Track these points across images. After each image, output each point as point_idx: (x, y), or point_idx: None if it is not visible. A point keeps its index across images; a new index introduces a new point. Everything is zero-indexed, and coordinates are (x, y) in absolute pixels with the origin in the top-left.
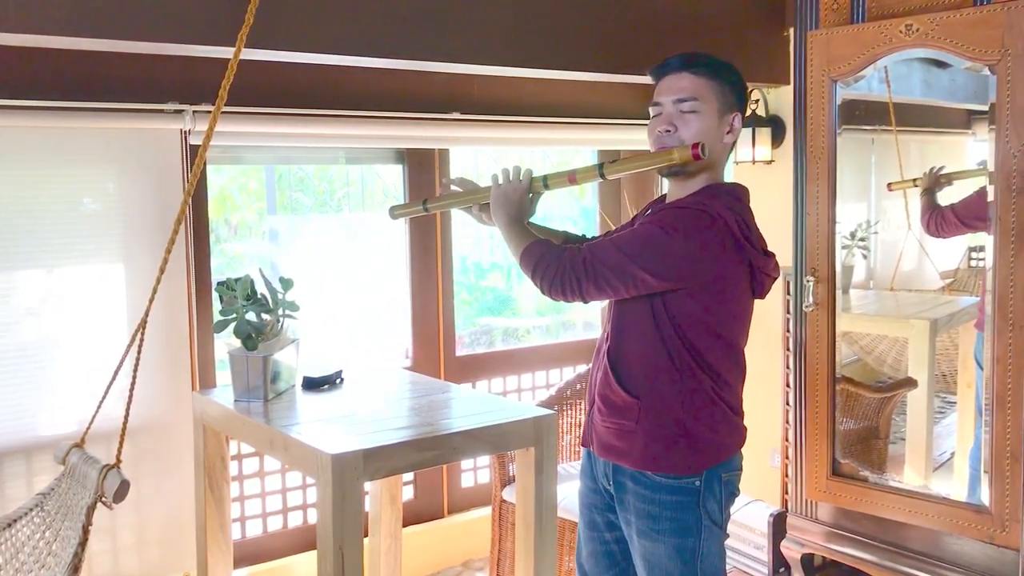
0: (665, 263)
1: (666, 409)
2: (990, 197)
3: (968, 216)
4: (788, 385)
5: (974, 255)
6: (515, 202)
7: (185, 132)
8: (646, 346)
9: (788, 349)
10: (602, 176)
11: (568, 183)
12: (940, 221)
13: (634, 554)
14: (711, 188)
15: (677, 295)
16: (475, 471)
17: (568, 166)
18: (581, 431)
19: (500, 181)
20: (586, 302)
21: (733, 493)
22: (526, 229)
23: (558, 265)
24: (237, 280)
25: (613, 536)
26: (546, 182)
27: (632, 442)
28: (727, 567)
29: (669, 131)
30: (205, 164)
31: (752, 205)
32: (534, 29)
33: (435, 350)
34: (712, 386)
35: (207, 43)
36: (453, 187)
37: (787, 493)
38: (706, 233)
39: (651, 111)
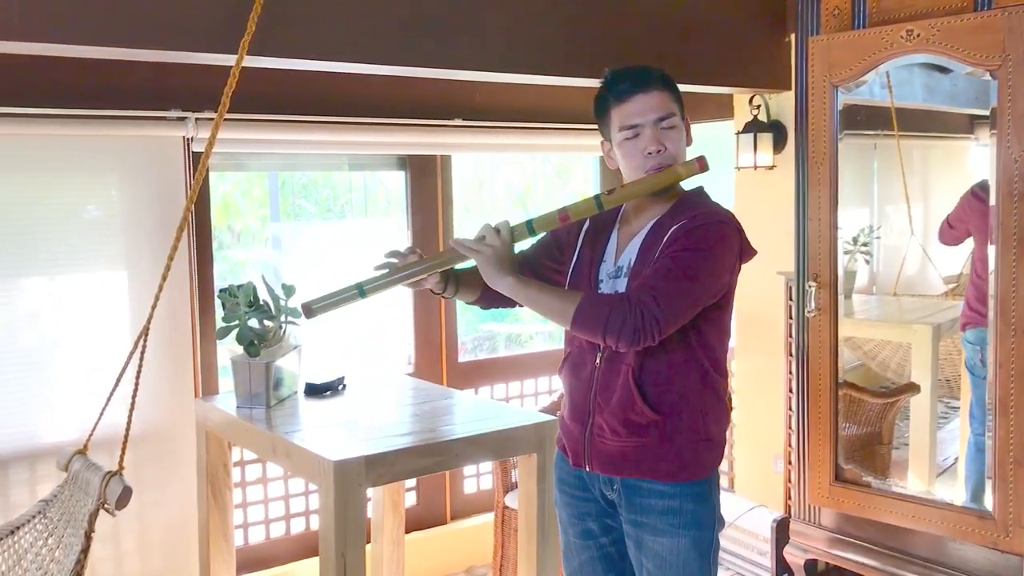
0: (718, 281)
1: (690, 419)
2: (991, 199)
3: (954, 220)
4: (791, 391)
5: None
6: (508, 261)
7: (188, 139)
8: (669, 361)
9: (791, 355)
10: (600, 208)
11: (559, 223)
12: (941, 230)
13: (641, 554)
14: (692, 195)
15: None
16: (477, 477)
17: (567, 171)
18: (571, 451)
19: (475, 247)
20: (656, 343)
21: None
22: (550, 287)
23: (632, 316)
24: (240, 287)
25: (610, 539)
26: (531, 228)
27: (658, 457)
28: (731, 574)
29: (660, 150)
30: (208, 171)
31: (754, 210)
32: (536, 36)
33: (437, 356)
34: (720, 383)
35: (209, 51)
36: (393, 260)
37: (790, 499)
38: (730, 240)
39: (622, 135)
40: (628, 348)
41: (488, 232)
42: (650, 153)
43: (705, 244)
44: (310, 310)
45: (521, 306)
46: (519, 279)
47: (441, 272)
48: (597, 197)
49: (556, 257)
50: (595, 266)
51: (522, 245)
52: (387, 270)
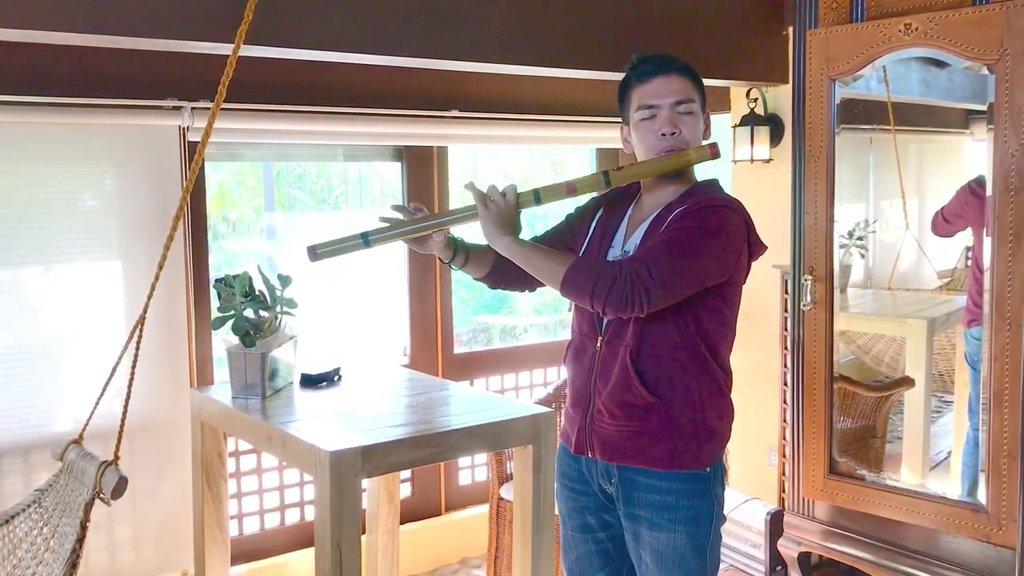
0: (720, 262)
1: (687, 405)
2: (987, 192)
3: (950, 215)
4: (786, 384)
5: (971, 254)
6: (510, 222)
7: (183, 129)
8: (667, 344)
9: (786, 348)
10: (607, 184)
11: (566, 195)
12: (935, 222)
13: (639, 549)
14: (705, 185)
15: (704, 291)
16: (472, 469)
17: (564, 164)
18: (573, 438)
19: (482, 200)
20: (644, 314)
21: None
22: (546, 248)
23: (623, 281)
24: (235, 277)
25: (608, 535)
26: (538, 196)
27: (654, 442)
28: (724, 565)
29: (674, 133)
30: (203, 161)
31: (750, 204)
32: (533, 27)
33: (433, 348)
34: (722, 377)
35: (206, 39)
36: (398, 215)
37: (784, 492)
38: (737, 228)
39: (639, 115)
40: (615, 314)
41: (495, 192)
42: (664, 135)
43: (708, 224)
44: (315, 253)
45: (524, 291)
46: (516, 239)
47: (451, 241)
48: (606, 173)
49: (568, 243)
50: (603, 250)
51: (532, 226)
52: (390, 223)
